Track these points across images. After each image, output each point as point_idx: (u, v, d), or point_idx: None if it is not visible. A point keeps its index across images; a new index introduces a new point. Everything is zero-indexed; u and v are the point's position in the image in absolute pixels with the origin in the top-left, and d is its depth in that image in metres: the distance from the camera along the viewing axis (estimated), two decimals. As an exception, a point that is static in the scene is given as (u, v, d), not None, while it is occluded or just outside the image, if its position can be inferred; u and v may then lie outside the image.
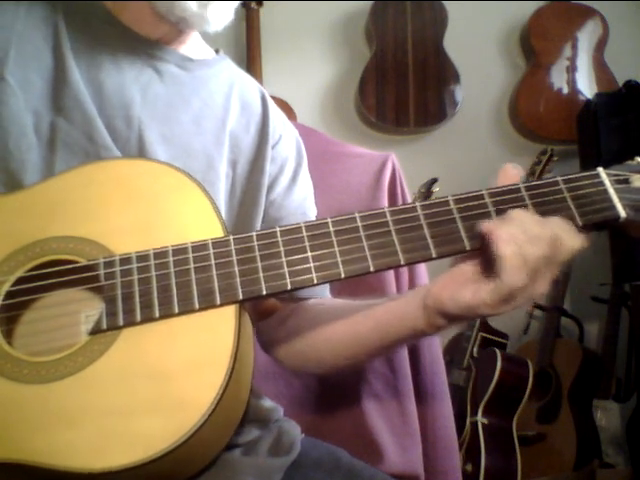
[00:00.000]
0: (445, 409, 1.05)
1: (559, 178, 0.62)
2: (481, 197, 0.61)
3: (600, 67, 2.42)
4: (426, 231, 0.60)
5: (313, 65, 2.48)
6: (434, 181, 2.19)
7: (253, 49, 2.27)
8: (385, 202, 1.07)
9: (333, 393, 1.02)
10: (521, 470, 1.92)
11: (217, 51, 0.89)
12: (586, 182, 0.62)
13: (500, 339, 2.22)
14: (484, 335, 2.18)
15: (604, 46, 2.42)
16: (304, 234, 0.60)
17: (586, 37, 2.44)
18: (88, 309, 0.62)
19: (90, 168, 0.66)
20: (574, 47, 2.43)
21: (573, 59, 2.43)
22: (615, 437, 2.21)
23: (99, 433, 0.53)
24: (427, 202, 0.61)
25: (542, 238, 0.56)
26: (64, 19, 0.76)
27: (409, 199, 1.12)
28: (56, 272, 0.60)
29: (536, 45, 2.43)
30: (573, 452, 1.98)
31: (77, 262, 0.60)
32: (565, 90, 2.42)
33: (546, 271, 0.57)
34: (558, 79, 2.42)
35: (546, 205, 0.60)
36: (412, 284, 1.06)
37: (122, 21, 0.78)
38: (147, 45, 0.78)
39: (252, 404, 0.76)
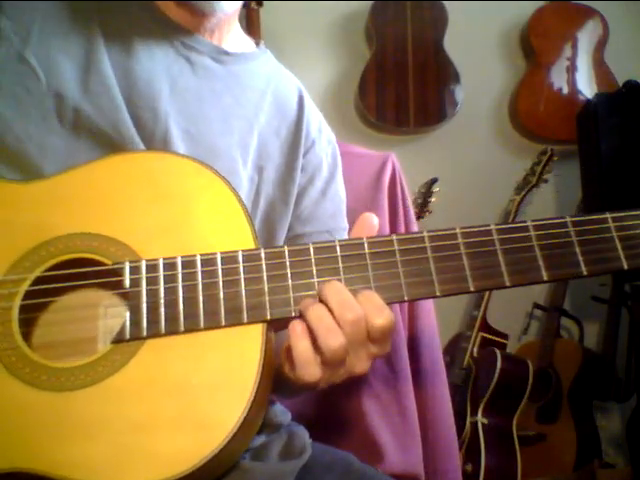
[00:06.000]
0: (445, 409, 1.05)
1: (608, 215, 0.58)
2: (526, 229, 0.58)
3: (600, 67, 2.41)
4: (465, 262, 0.56)
5: (313, 65, 2.48)
6: (434, 181, 2.19)
7: (253, 49, 2.27)
8: (385, 202, 1.07)
9: (333, 393, 1.02)
10: (521, 470, 1.92)
11: (258, 44, 0.85)
12: (636, 222, 0.58)
13: (500, 339, 2.22)
14: (484, 335, 2.18)
15: (604, 46, 2.42)
16: (338, 254, 0.57)
17: (586, 37, 2.43)
18: (110, 314, 0.60)
19: (118, 160, 0.63)
20: (574, 47, 2.43)
21: (573, 59, 2.43)
22: (615, 437, 2.21)
23: (118, 449, 0.51)
24: (468, 229, 0.58)
25: (344, 322, 0.54)
26: (95, 7, 0.73)
27: (409, 199, 1.11)
28: (79, 273, 0.58)
29: (536, 45, 2.43)
30: (573, 452, 1.98)
31: (101, 262, 0.58)
32: (565, 90, 2.41)
33: (358, 352, 0.56)
34: (558, 79, 2.42)
35: (591, 244, 0.57)
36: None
37: (159, 7, 0.74)
38: (182, 34, 0.75)
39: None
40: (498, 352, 2.04)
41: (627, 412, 2.12)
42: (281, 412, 0.81)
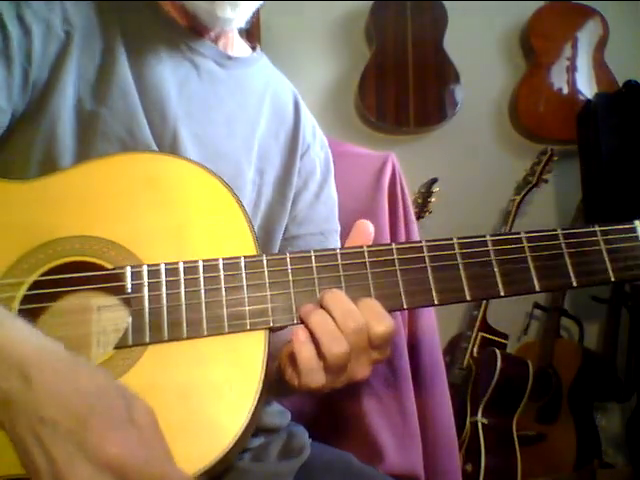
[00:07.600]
0: (445, 409, 1.05)
1: (597, 228, 0.60)
2: (519, 241, 0.59)
3: (600, 67, 2.41)
4: (462, 272, 0.58)
5: (313, 65, 2.48)
6: (434, 181, 2.19)
7: (253, 49, 2.27)
8: (385, 202, 1.07)
9: (333, 393, 1.01)
10: (521, 470, 1.92)
11: (254, 48, 0.85)
12: (622, 236, 0.60)
13: (500, 339, 2.22)
14: (484, 335, 2.18)
15: (604, 46, 2.42)
16: (339, 262, 0.58)
17: (586, 37, 2.43)
18: (108, 319, 0.59)
19: (119, 160, 0.62)
20: (574, 47, 2.43)
21: (573, 59, 2.43)
22: (615, 437, 2.21)
23: None
24: (465, 240, 0.59)
25: (347, 330, 0.54)
26: (116, 6, 0.73)
27: (409, 199, 1.11)
28: (77, 277, 0.57)
29: (536, 45, 2.43)
30: (573, 452, 1.98)
31: (101, 266, 0.57)
32: (565, 90, 2.41)
33: (359, 359, 0.56)
34: (558, 79, 2.42)
35: (581, 257, 0.59)
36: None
37: (165, 10, 0.75)
38: (187, 37, 0.75)
39: (264, 410, 0.75)
40: (498, 352, 2.04)
41: (627, 412, 2.12)
42: (280, 413, 0.81)
